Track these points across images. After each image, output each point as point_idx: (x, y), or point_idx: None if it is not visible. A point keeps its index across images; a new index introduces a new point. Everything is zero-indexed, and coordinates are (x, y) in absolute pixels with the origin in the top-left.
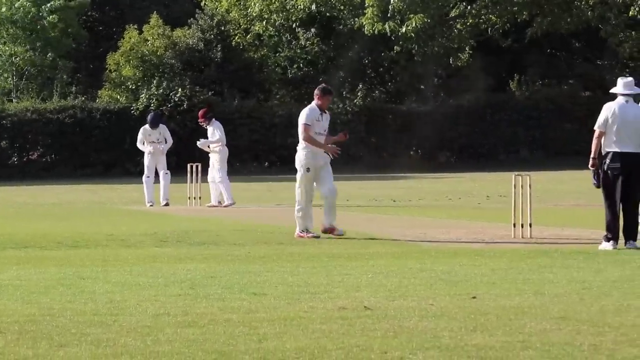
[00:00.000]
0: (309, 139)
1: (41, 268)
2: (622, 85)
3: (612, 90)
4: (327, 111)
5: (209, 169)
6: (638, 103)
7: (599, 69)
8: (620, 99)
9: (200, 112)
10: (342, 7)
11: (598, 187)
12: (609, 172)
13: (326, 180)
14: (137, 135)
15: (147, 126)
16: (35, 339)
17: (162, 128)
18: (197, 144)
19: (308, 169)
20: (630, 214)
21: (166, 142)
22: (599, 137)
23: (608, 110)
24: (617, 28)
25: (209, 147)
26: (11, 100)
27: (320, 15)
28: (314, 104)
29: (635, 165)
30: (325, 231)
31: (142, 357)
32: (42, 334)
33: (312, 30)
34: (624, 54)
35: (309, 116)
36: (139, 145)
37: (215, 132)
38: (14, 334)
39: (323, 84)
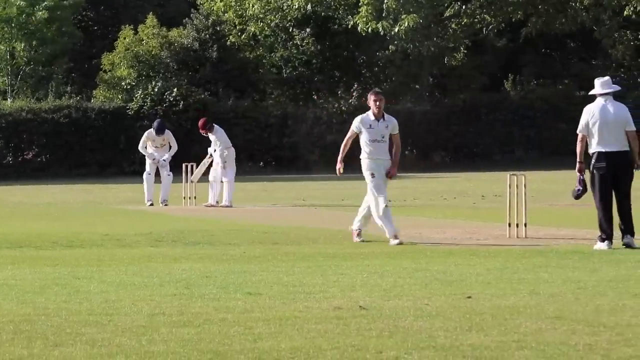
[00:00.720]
0: (343, 144)
1: (36, 268)
2: (599, 85)
3: (591, 92)
4: (386, 117)
5: (211, 169)
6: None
7: (594, 68)
8: (599, 100)
9: (200, 124)
10: (337, 7)
11: (577, 197)
12: (594, 172)
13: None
14: (132, 135)
15: (152, 130)
16: (31, 339)
17: (167, 134)
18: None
19: (373, 175)
20: (623, 208)
21: (170, 148)
22: (582, 140)
23: (588, 113)
24: (611, 30)
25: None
26: (6, 100)
27: (315, 15)
28: (370, 110)
29: (621, 164)
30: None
31: (137, 357)
32: (37, 333)
33: (307, 30)
34: (618, 56)
35: (357, 124)
36: (140, 148)
37: (217, 142)
38: (9, 333)
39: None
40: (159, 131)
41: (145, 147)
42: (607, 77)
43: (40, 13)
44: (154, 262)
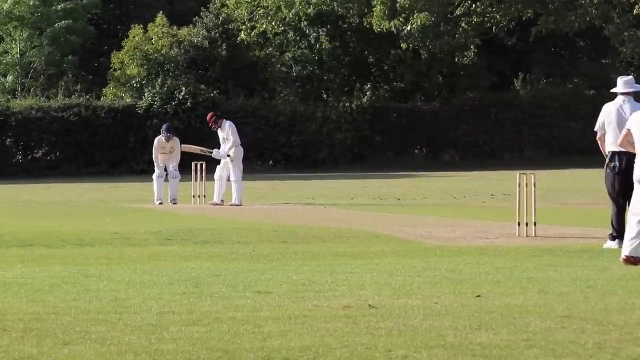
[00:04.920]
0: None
1: (46, 266)
2: (622, 84)
3: (613, 90)
4: None
5: (218, 167)
6: None
7: (603, 67)
8: (618, 99)
9: (208, 117)
10: (349, 6)
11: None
12: (609, 170)
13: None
14: (141, 133)
15: (161, 137)
16: (40, 337)
17: (175, 141)
18: (214, 155)
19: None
20: None
21: (175, 156)
22: (601, 139)
23: (604, 112)
24: (620, 28)
25: (228, 155)
26: (16, 98)
27: (327, 15)
28: None
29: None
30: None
31: (146, 355)
32: (47, 332)
33: (324, 29)
34: (627, 54)
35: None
36: (154, 159)
37: (229, 136)
38: (19, 332)
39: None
40: (168, 131)
41: (157, 157)
42: (630, 77)
43: (62, 23)
44: (163, 261)
